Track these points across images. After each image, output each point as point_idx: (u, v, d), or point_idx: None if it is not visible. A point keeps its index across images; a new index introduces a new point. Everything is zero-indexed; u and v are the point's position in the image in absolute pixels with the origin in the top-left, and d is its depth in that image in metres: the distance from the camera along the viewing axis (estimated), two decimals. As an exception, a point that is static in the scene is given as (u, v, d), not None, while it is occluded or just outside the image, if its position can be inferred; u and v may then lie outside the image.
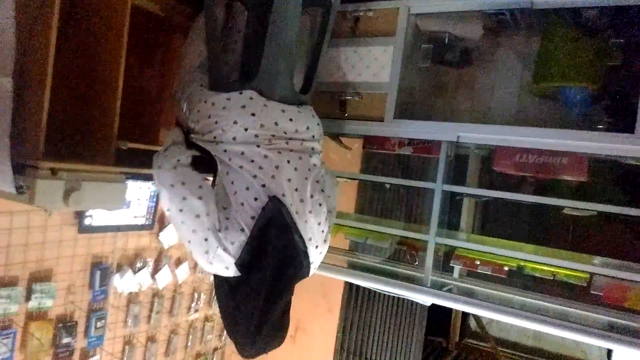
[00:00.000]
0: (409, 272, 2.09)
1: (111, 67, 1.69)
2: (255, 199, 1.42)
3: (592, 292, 1.83)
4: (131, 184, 2.06)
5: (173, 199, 1.43)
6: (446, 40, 1.95)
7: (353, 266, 2.27)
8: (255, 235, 1.40)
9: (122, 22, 1.66)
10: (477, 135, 1.82)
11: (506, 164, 1.95)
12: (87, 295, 2.34)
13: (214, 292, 1.58)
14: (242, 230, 1.40)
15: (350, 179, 2.25)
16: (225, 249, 1.40)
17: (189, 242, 1.43)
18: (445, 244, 1.98)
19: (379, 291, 2.17)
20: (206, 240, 1.40)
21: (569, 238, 2.34)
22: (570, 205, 1.73)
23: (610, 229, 2.24)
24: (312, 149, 1.59)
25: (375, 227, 2.14)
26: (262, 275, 1.41)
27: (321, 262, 1.60)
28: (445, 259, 2.08)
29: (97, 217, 2.19)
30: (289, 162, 1.51)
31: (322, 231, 1.55)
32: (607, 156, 1.67)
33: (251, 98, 1.52)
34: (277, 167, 1.48)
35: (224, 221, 1.42)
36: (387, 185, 2.22)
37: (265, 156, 1.48)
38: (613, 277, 1.70)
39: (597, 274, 1.73)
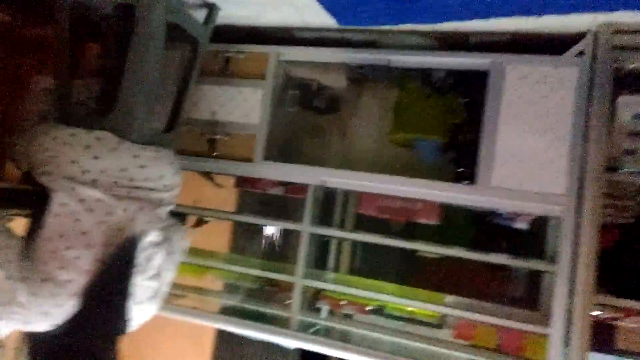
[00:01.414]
0: (278, 313, 2.07)
1: None
2: (67, 248, 1.30)
3: (444, 329, 1.96)
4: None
5: None
6: (314, 88, 2.02)
7: (223, 309, 2.20)
8: (75, 287, 1.29)
9: None
10: (340, 180, 1.88)
11: (370, 207, 2.04)
12: None
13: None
14: (45, 280, 1.27)
15: (216, 219, 2.19)
16: (38, 307, 1.26)
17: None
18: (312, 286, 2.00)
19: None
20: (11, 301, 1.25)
21: (429, 277, 2.49)
22: (418, 248, 1.85)
23: (464, 269, 2.42)
24: (161, 200, 1.50)
25: (242, 268, 2.09)
26: (84, 333, 1.30)
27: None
28: (316, 298, 2.10)
29: None
30: (125, 210, 1.39)
31: (149, 287, 1.45)
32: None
33: (99, 139, 1.41)
34: (108, 213, 1.36)
35: (32, 274, 1.28)
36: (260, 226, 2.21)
37: (99, 199, 1.36)
38: (458, 316, 1.83)
39: (444, 314, 1.85)
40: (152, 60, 1.55)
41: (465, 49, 1.84)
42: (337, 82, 2.01)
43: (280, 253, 2.67)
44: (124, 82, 1.50)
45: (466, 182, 1.77)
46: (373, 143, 2.11)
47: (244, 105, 1.97)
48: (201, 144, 2.02)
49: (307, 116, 2.12)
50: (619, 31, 1.61)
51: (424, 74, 1.86)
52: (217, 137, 1.98)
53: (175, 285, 2.37)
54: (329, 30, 1.92)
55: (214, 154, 2.00)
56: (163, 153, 1.55)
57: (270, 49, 1.94)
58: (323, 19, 1.81)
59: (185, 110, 1.82)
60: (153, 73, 1.56)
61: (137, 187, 1.43)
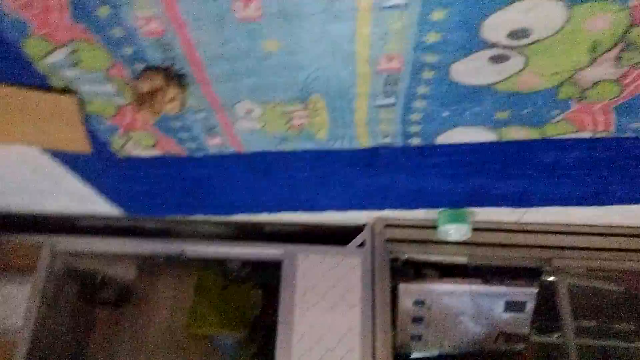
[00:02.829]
0: None
1: None
2: None
3: None
4: None
5: None
6: (99, 280, 1.81)
7: None
8: None
9: None
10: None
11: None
12: None
13: None
14: None
15: None
16: None
17: None
18: None
19: None
20: None
21: None
22: None
23: None
24: None
25: None
26: None
27: None
28: None
29: None
30: None
31: None
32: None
33: None
34: None
35: None
36: None
37: None
38: None
39: None
40: None
41: (262, 237, 1.86)
42: (126, 272, 1.84)
43: None
44: None
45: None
46: (169, 337, 1.90)
47: (4, 306, 1.65)
48: (-61, 357, 1.59)
49: (91, 311, 1.86)
50: (390, 225, 1.78)
51: (220, 264, 1.80)
52: (-37, 346, 1.60)
53: None
54: (116, 218, 1.80)
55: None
56: None
57: (44, 239, 1.73)
58: (107, 209, 1.70)
59: None
60: None
61: None
